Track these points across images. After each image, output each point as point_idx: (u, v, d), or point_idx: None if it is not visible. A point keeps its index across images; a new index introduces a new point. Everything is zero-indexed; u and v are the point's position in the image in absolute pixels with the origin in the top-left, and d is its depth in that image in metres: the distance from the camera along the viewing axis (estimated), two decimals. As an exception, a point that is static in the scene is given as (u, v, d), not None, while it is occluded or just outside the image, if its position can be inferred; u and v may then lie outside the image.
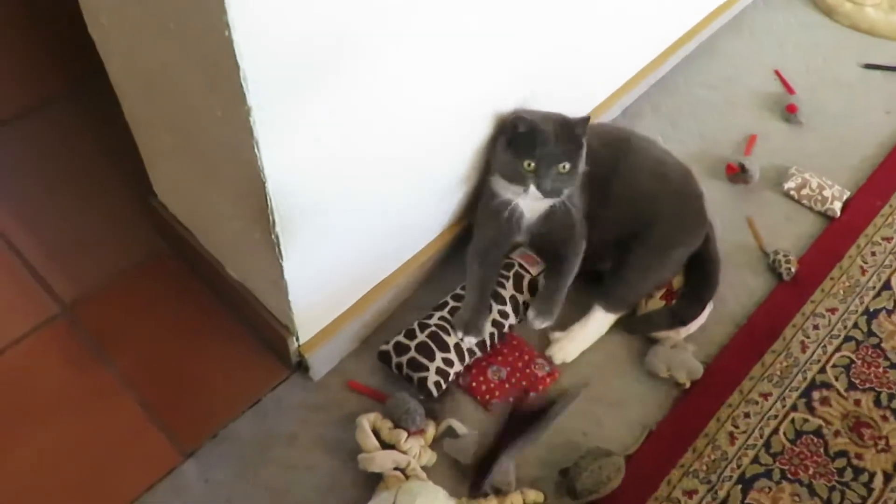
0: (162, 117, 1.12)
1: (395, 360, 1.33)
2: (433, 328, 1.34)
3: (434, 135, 1.21)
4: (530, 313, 1.40)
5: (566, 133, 1.29)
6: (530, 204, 1.34)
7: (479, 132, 1.34)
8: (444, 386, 1.32)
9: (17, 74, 1.73)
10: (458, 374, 1.34)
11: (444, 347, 1.33)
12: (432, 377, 1.30)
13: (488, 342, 1.37)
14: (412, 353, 1.31)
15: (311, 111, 0.93)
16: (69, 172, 1.59)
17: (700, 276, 1.47)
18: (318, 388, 1.36)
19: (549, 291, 1.40)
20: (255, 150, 0.91)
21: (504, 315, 1.39)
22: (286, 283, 1.15)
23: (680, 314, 1.44)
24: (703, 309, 1.45)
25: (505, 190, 1.34)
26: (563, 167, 1.28)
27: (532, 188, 1.28)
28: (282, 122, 0.91)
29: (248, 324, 1.38)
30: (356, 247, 1.24)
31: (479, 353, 1.37)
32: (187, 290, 1.44)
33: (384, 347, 1.35)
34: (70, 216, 1.53)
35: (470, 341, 1.35)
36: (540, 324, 1.39)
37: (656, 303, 1.46)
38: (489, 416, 1.35)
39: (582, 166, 1.33)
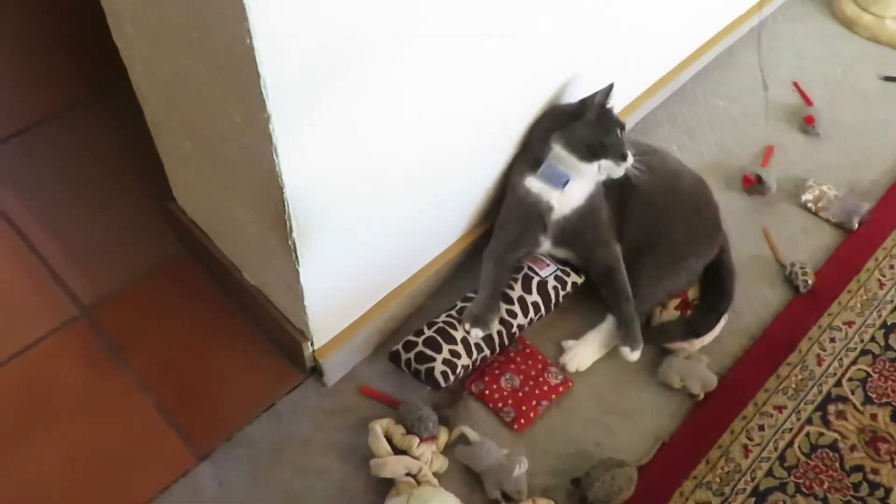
0: (182, 123, 1.14)
1: (403, 357, 1.34)
2: (440, 324, 1.36)
3: (454, 142, 1.22)
4: (623, 350, 1.39)
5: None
6: (564, 198, 1.36)
7: (499, 140, 1.35)
8: (451, 377, 1.32)
9: (41, 80, 1.76)
10: (465, 368, 1.34)
11: (450, 340, 1.34)
12: (439, 367, 1.31)
13: (496, 340, 1.38)
14: (419, 347, 1.33)
15: (330, 118, 0.94)
16: (91, 177, 1.62)
17: (715, 287, 1.47)
18: (331, 394, 1.37)
19: (624, 319, 1.39)
20: (274, 156, 0.92)
21: (512, 314, 1.39)
22: (302, 289, 1.16)
23: (695, 326, 1.43)
24: (718, 321, 1.45)
25: (551, 180, 1.34)
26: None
27: (629, 155, 1.33)
28: (300, 129, 0.92)
29: (264, 328, 1.39)
30: (372, 253, 1.25)
31: (486, 351, 1.37)
32: (204, 293, 1.45)
33: (395, 348, 1.36)
34: (91, 219, 1.55)
35: (477, 334, 1.35)
36: (635, 355, 1.38)
37: (671, 313, 1.46)
38: (501, 427, 1.35)
39: None
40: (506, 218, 1.42)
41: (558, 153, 1.33)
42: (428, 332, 1.34)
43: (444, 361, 1.32)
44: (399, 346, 1.35)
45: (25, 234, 1.52)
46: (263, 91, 0.83)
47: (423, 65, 1.02)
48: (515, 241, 1.41)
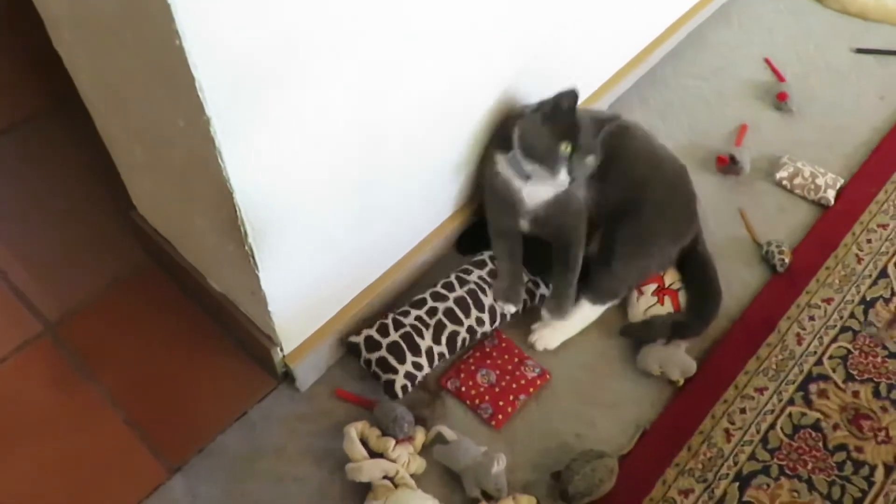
0: (132, 131, 1.11)
1: (364, 355, 1.31)
2: (407, 328, 1.32)
3: (413, 136, 1.19)
4: (544, 312, 1.39)
5: (596, 127, 1.26)
6: (531, 191, 1.32)
7: (462, 130, 1.32)
8: (409, 389, 1.30)
9: (0, 91, 1.73)
10: (425, 377, 1.33)
11: (415, 351, 1.31)
12: (400, 380, 1.29)
13: (459, 346, 1.36)
14: (383, 353, 1.29)
15: (277, 119, 0.91)
16: (53, 188, 1.58)
17: (700, 289, 1.45)
18: (305, 398, 1.35)
19: (560, 287, 1.39)
20: (220, 161, 0.89)
21: (480, 322, 1.37)
22: (265, 294, 1.13)
23: (682, 330, 1.41)
24: (706, 327, 1.42)
25: (516, 170, 1.30)
26: (591, 160, 1.27)
27: (563, 173, 1.23)
28: (245, 132, 0.89)
29: (233, 336, 1.36)
30: (337, 255, 1.22)
31: (448, 356, 1.35)
32: (172, 303, 1.42)
33: (354, 339, 1.32)
34: (53, 232, 1.52)
35: (509, 309, 1.37)
36: (560, 316, 1.39)
37: (649, 299, 1.44)
38: (479, 425, 1.33)
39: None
40: (487, 196, 1.41)
41: (518, 144, 1.29)
42: (393, 336, 1.31)
43: (406, 375, 1.29)
44: (360, 340, 1.31)
45: (-15, 249, 1.49)
46: (200, 94, 0.80)
47: (373, 60, 0.99)
48: (505, 219, 1.40)
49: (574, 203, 1.37)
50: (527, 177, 1.31)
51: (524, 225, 1.40)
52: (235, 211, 0.97)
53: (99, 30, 0.93)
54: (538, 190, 1.33)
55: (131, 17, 0.81)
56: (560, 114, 1.24)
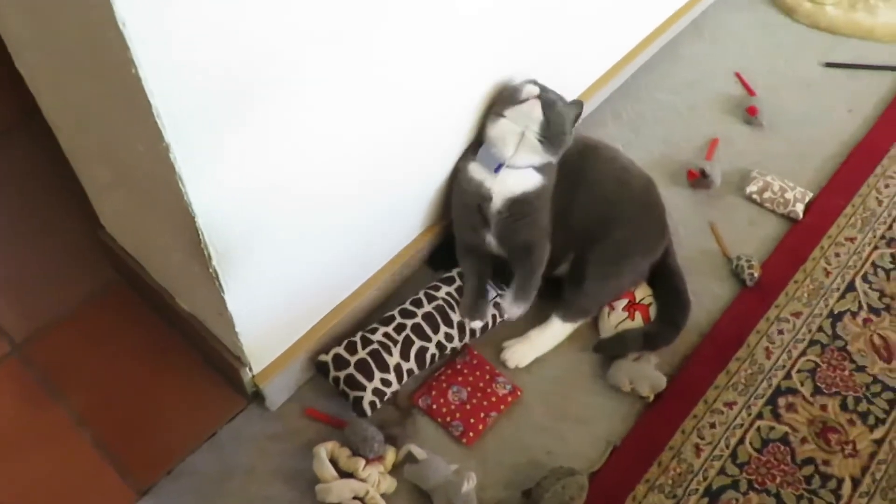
0: (96, 151, 1.10)
1: (332, 373, 1.31)
2: (375, 345, 1.32)
3: (379, 156, 1.19)
4: (506, 301, 1.39)
5: (565, 106, 1.35)
6: (501, 187, 1.32)
7: (432, 149, 1.32)
8: (378, 406, 1.30)
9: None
10: (395, 393, 1.33)
11: (383, 367, 1.30)
12: (368, 397, 1.28)
13: (428, 362, 1.36)
14: (351, 370, 1.29)
15: (236, 143, 0.91)
16: (21, 205, 1.57)
17: (670, 298, 1.46)
18: (275, 418, 1.34)
19: (522, 280, 1.38)
20: (181, 185, 0.88)
21: (449, 338, 1.37)
22: (231, 316, 1.13)
23: (653, 339, 1.42)
24: (677, 335, 1.43)
25: (486, 163, 1.32)
26: (563, 104, 1.32)
27: (528, 86, 1.28)
28: (205, 157, 0.88)
29: (203, 355, 1.35)
30: (304, 275, 1.22)
31: (417, 373, 1.35)
32: (141, 321, 1.41)
33: (323, 358, 1.32)
34: (21, 250, 1.50)
35: (476, 325, 1.38)
36: (516, 310, 1.38)
37: (619, 315, 1.45)
38: (451, 442, 1.33)
39: (565, 147, 1.35)
40: (455, 212, 1.42)
41: (489, 133, 1.32)
42: (361, 353, 1.31)
43: (375, 391, 1.29)
44: (328, 359, 1.31)
45: (-48, 269, 1.47)
46: (158, 120, 0.79)
47: (336, 84, 0.99)
48: (472, 234, 1.40)
49: (543, 214, 1.36)
50: (498, 166, 1.31)
51: (490, 241, 1.39)
52: (198, 234, 0.96)
53: (59, 54, 0.92)
54: (508, 181, 1.32)
55: (90, 45, 0.81)
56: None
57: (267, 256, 1.11)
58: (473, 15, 1.18)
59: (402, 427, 1.32)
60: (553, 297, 1.43)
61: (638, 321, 1.44)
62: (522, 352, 1.40)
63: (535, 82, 1.33)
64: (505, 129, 1.30)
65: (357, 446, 1.26)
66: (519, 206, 1.34)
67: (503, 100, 1.33)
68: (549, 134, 1.29)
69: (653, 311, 1.45)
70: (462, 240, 1.43)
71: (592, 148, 1.46)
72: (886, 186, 1.73)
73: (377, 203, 1.28)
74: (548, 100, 1.29)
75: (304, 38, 0.89)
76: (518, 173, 1.33)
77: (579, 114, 1.39)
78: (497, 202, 1.34)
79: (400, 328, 1.34)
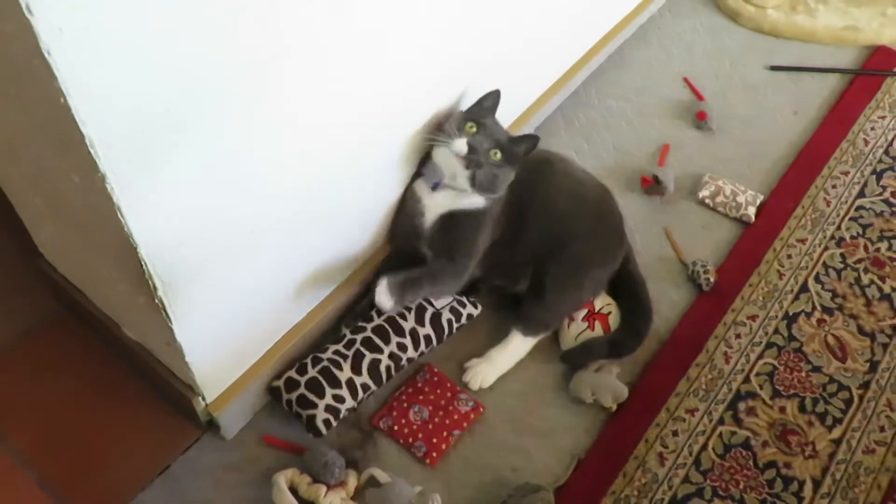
0: (29, 181, 1.05)
1: (285, 396, 1.28)
2: (325, 363, 1.29)
3: (324, 183, 1.16)
4: (381, 285, 1.24)
5: (513, 142, 1.32)
6: (433, 204, 1.31)
7: (382, 174, 1.30)
8: (333, 424, 1.27)
9: None
10: (350, 410, 1.30)
11: (334, 383, 1.28)
12: (321, 415, 1.25)
13: (384, 375, 1.33)
14: (301, 390, 1.26)
15: (177, 171, 0.87)
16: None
17: (633, 306, 1.45)
18: (231, 447, 1.30)
19: (420, 276, 1.30)
20: (119, 216, 0.84)
21: (402, 348, 1.34)
22: (180, 346, 1.08)
23: (618, 348, 1.41)
24: (641, 342, 1.43)
25: (428, 177, 1.32)
26: (496, 154, 1.28)
27: (461, 142, 1.25)
28: (145, 186, 0.84)
29: (152, 385, 1.30)
30: (256, 301, 1.18)
31: (373, 388, 1.32)
32: (87, 353, 1.35)
33: (276, 383, 1.29)
34: (-45, 283, 1.43)
35: (385, 306, 1.24)
36: (385, 301, 1.23)
37: (579, 325, 1.44)
38: (414, 463, 1.30)
39: (505, 186, 1.32)
40: (395, 222, 1.40)
41: (433, 155, 1.30)
42: (311, 372, 1.28)
43: (327, 408, 1.26)
44: (280, 383, 1.28)
45: None
46: (92, 150, 0.75)
47: (268, 111, 0.95)
48: (404, 245, 1.38)
49: (481, 235, 1.34)
50: (434, 184, 1.30)
51: (427, 252, 1.36)
52: (142, 265, 0.92)
53: (-17, 81, 0.87)
54: (438, 198, 1.31)
55: (15, 75, 0.76)
56: (480, 109, 1.33)
57: (214, 284, 1.07)
58: (420, 26, 1.16)
59: (363, 450, 1.29)
60: (512, 312, 1.42)
61: (598, 331, 1.43)
62: (485, 372, 1.38)
63: (480, 107, 1.33)
64: (445, 157, 1.28)
65: (317, 472, 1.22)
66: (452, 221, 1.32)
67: (450, 125, 1.29)
68: (477, 188, 1.28)
69: (612, 321, 1.45)
70: (398, 244, 1.41)
71: (546, 161, 1.44)
72: (834, 187, 1.76)
73: (322, 228, 1.24)
74: (474, 159, 1.26)
75: (237, 64, 0.85)
76: (456, 193, 1.31)
77: (533, 146, 1.33)
78: (429, 217, 1.32)
79: (350, 343, 1.32)
